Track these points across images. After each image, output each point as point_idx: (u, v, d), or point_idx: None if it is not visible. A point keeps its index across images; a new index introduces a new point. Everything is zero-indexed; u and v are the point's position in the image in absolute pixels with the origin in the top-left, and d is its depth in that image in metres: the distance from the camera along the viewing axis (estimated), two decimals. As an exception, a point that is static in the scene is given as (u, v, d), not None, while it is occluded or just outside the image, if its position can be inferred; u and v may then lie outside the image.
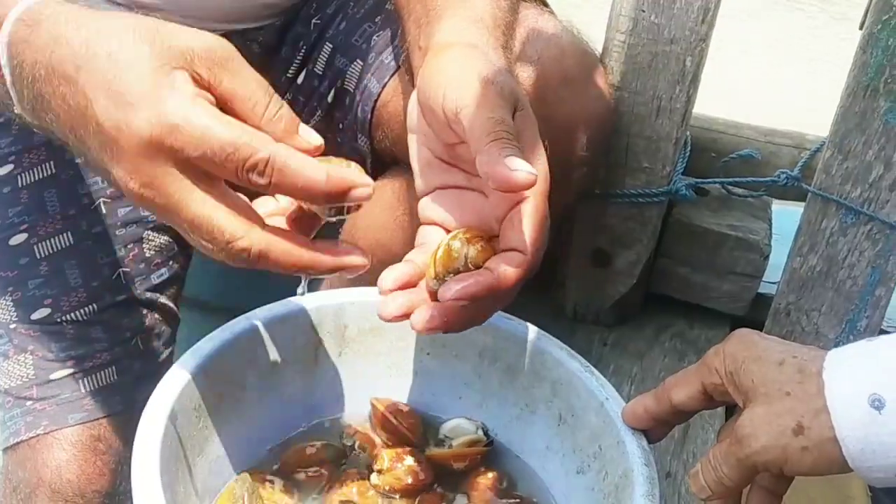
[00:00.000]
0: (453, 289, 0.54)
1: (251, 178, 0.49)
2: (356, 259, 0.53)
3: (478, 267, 0.56)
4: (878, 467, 0.48)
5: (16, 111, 0.54)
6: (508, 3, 0.68)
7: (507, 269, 0.54)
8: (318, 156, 0.53)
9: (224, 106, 0.50)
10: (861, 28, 0.91)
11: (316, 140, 0.52)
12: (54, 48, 0.50)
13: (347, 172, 0.52)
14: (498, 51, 0.62)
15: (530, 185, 0.52)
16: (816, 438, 0.49)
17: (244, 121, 0.50)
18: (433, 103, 0.57)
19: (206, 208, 0.49)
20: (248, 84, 0.50)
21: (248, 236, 0.49)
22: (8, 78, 0.53)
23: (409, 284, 0.59)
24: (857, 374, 0.49)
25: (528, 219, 0.54)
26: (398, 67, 0.85)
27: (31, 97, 0.52)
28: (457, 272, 0.56)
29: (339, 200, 0.51)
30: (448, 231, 0.60)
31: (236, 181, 0.49)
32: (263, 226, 0.51)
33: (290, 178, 0.49)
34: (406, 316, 0.57)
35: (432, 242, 0.60)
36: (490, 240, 0.58)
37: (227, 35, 0.90)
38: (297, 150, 0.50)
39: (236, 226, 0.49)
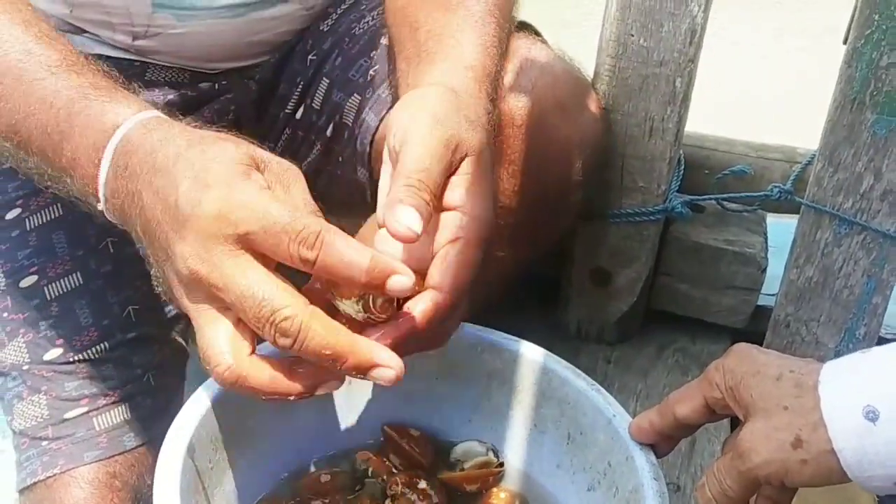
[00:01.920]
0: (373, 337, 0.55)
1: (301, 252, 0.51)
2: (390, 361, 0.53)
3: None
4: (876, 477, 0.49)
5: (98, 208, 0.60)
6: (498, 52, 0.70)
7: (421, 309, 0.55)
8: None
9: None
10: (845, 43, 0.93)
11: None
12: (159, 149, 0.56)
13: (391, 261, 0.52)
14: (477, 99, 0.64)
15: (407, 240, 0.53)
16: (815, 451, 0.50)
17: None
18: (390, 133, 0.60)
19: (254, 280, 0.52)
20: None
21: (293, 306, 0.51)
22: (108, 174, 0.58)
23: None
24: (851, 387, 0.50)
25: (451, 260, 0.56)
26: (395, 101, 0.86)
27: (125, 191, 0.57)
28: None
29: (377, 288, 0.52)
30: None
31: (288, 261, 0.52)
32: (307, 303, 0.53)
33: (336, 255, 0.51)
34: None
35: None
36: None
37: (224, 73, 0.93)
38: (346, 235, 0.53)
39: (283, 296, 0.52)
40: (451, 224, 0.57)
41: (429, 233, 0.58)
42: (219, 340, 0.53)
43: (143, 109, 0.60)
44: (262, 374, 0.53)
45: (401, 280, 0.52)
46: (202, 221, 0.52)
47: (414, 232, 0.53)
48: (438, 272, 0.56)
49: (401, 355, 0.54)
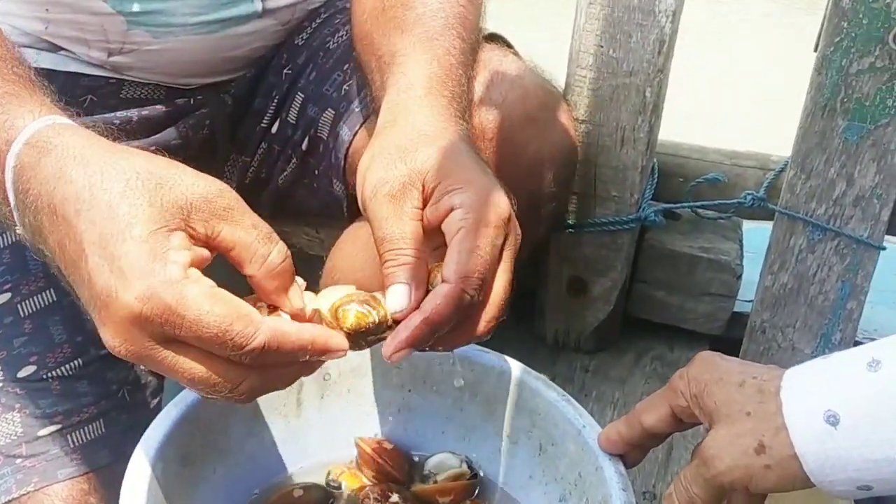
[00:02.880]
0: (391, 345, 0.56)
1: (242, 359, 0.50)
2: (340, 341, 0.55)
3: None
4: (838, 481, 0.50)
5: (18, 232, 0.56)
6: (459, 60, 0.70)
7: (431, 303, 0.56)
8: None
9: (224, 254, 0.52)
10: (815, 50, 0.94)
11: (298, 305, 0.54)
12: (57, 184, 0.51)
13: (327, 337, 0.54)
14: (420, 113, 0.64)
15: (407, 313, 0.55)
16: (777, 456, 0.51)
17: (241, 267, 0.53)
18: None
19: (196, 365, 0.50)
20: (248, 234, 0.52)
21: (255, 339, 0.50)
22: (12, 201, 0.54)
23: None
24: (811, 392, 0.51)
25: (453, 250, 0.56)
26: (368, 115, 0.87)
27: (32, 225, 0.53)
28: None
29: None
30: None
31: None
32: (255, 320, 0.51)
33: (276, 358, 0.51)
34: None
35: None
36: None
37: (200, 89, 0.93)
38: (285, 324, 0.52)
39: (234, 345, 0.49)
40: (449, 226, 0.58)
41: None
42: (212, 367, 0.50)
43: (37, 117, 0.55)
44: (296, 327, 0.52)
45: (339, 356, 0.54)
46: (123, 317, 0.48)
47: (403, 307, 0.55)
48: (445, 266, 0.56)
49: (427, 348, 0.56)
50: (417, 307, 0.56)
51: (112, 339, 0.50)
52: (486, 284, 0.58)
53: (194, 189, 0.51)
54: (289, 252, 0.54)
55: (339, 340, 0.55)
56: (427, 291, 0.57)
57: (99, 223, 0.49)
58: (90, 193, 0.50)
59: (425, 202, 0.59)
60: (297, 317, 0.55)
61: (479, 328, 0.59)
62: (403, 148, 0.60)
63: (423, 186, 0.59)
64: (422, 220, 0.58)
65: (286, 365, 0.53)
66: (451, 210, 0.58)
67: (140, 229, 0.49)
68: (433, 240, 0.59)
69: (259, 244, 0.53)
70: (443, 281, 0.56)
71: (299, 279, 0.57)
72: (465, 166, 0.60)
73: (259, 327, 0.50)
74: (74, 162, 0.52)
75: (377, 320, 0.56)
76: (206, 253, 0.52)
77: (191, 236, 0.51)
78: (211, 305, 0.49)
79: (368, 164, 0.61)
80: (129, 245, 0.48)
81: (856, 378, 0.49)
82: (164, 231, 0.49)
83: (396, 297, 0.56)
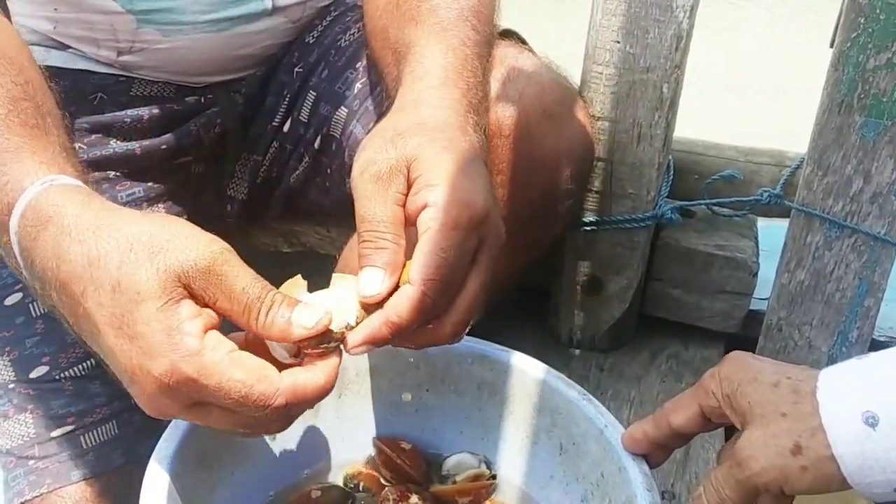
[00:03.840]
0: (351, 341, 0.56)
1: (268, 416, 0.52)
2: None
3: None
4: (876, 483, 0.49)
5: (30, 287, 0.58)
6: (473, 51, 0.69)
7: (393, 305, 0.55)
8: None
9: (223, 316, 0.54)
10: (831, 46, 0.93)
11: (309, 322, 0.54)
12: (58, 263, 0.53)
13: (332, 363, 0.55)
14: (429, 103, 0.63)
15: (377, 299, 0.55)
16: (814, 457, 0.50)
17: (244, 328, 0.54)
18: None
19: (227, 419, 0.53)
20: (240, 302, 0.53)
21: (276, 400, 0.52)
22: (21, 266, 0.57)
23: None
24: (850, 393, 0.50)
25: (419, 251, 0.56)
26: (382, 113, 0.86)
27: (42, 292, 0.56)
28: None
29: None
30: None
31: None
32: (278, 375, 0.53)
33: (301, 408, 0.54)
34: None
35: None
36: None
37: (210, 87, 0.93)
38: (301, 375, 0.53)
39: (257, 407, 0.51)
40: (420, 223, 0.57)
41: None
42: (241, 420, 0.53)
43: (34, 180, 0.56)
44: (310, 376, 0.53)
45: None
46: (152, 388, 0.51)
47: (374, 294, 0.55)
48: (411, 266, 0.56)
49: (397, 345, 0.58)
50: (389, 295, 0.56)
51: (146, 407, 0.53)
52: (450, 288, 0.57)
53: (187, 255, 0.52)
54: (283, 303, 0.54)
55: (336, 360, 0.55)
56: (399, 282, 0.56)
57: (107, 305, 0.51)
58: (91, 273, 0.52)
59: (409, 190, 0.58)
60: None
61: (446, 331, 0.59)
62: (399, 133, 0.60)
63: (408, 174, 0.58)
64: (404, 206, 0.58)
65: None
66: (425, 206, 0.57)
67: (148, 308, 0.51)
68: (412, 232, 0.58)
69: (252, 308, 0.53)
70: (407, 282, 0.55)
71: (299, 279, 0.57)
72: (448, 162, 0.58)
73: (279, 387, 0.52)
74: (69, 239, 0.53)
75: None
76: (214, 315, 0.53)
77: (196, 300, 0.53)
78: (231, 372, 0.51)
79: (364, 144, 0.60)
80: (141, 327, 0.51)
81: (895, 378, 0.48)
82: (171, 304, 0.51)
83: (369, 282, 0.56)
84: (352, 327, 0.56)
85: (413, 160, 0.58)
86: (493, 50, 0.75)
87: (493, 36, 0.76)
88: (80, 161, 0.65)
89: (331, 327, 0.54)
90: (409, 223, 0.58)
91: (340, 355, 0.55)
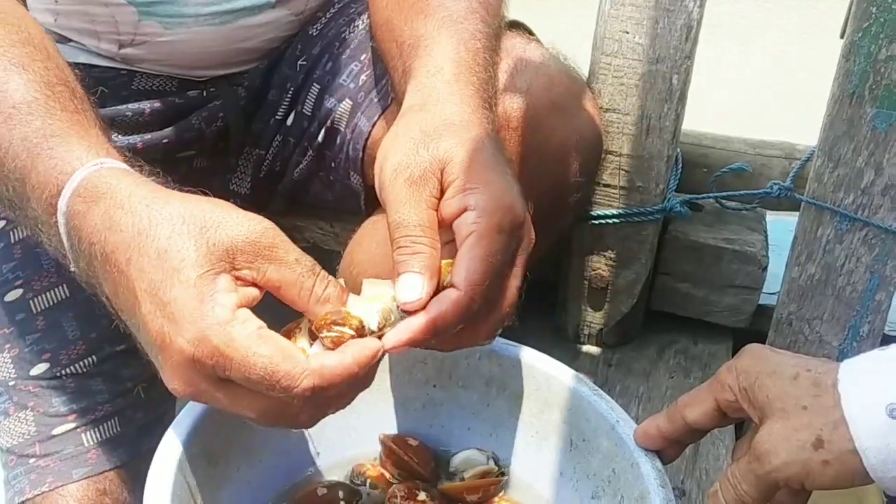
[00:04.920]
0: (391, 340, 0.55)
1: (294, 401, 0.51)
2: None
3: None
4: None
5: (72, 269, 0.57)
6: (484, 45, 0.69)
7: (436, 308, 0.54)
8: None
9: (272, 292, 0.53)
10: (842, 37, 0.92)
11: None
12: (107, 234, 0.53)
13: (369, 350, 0.53)
14: (450, 101, 0.63)
15: (420, 306, 0.54)
16: (837, 451, 0.49)
17: (293, 304, 0.53)
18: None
19: (253, 402, 0.52)
20: (293, 271, 0.53)
21: (302, 382, 0.50)
22: (66, 245, 0.56)
23: None
24: (872, 385, 0.49)
25: (462, 256, 0.55)
26: (387, 106, 0.85)
27: (87, 270, 0.56)
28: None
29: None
30: None
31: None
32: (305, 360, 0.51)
33: (329, 392, 0.52)
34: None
35: None
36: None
37: (213, 80, 0.92)
38: (327, 359, 0.52)
39: (282, 387, 0.50)
40: (460, 227, 0.56)
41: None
42: (264, 405, 0.51)
43: (84, 162, 0.56)
44: (338, 358, 0.52)
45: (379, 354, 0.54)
46: (178, 359, 0.50)
47: (414, 300, 0.54)
48: (456, 271, 0.55)
49: (433, 348, 0.57)
50: (429, 301, 0.54)
51: (171, 380, 0.52)
52: (493, 292, 0.57)
53: (238, 230, 0.52)
54: (335, 281, 0.55)
55: (375, 345, 0.54)
56: (439, 284, 0.55)
57: (149, 271, 0.51)
58: (139, 241, 0.52)
59: (442, 193, 0.57)
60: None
61: (482, 334, 0.58)
62: (428, 134, 0.59)
63: (442, 177, 0.57)
64: (437, 210, 0.57)
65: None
66: (465, 210, 0.56)
67: (187, 274, 0.50)
68: (444, 234, 0.57)
69: (305, 279, 0.53)
70: (452, 285, 0.55)
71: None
72: (484, 165, 0.58)
73: (305, 369, 0.50)
74: (122, 211, 0.53)
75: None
76: (254, 292, 0.53)
77: (238, 278, 0.52)
78: (257, 346, 0.50)
79: (390, 145, 0.59)
80: (177, 290, 0.50)
81: None
82: (210, 274, 0.51)
83: (409, 289, 0.54)
84: (372, 331, 0.54)
85: (447, 163, 0.57)
86: (501, 42, 0.74)
87: (501, 28, 0.75)
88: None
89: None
90: (443, 226, 0.57)
91: (378, 350, 0.53)
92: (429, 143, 0.58)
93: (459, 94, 0.63)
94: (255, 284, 0.53)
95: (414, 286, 0.54)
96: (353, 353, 0.52)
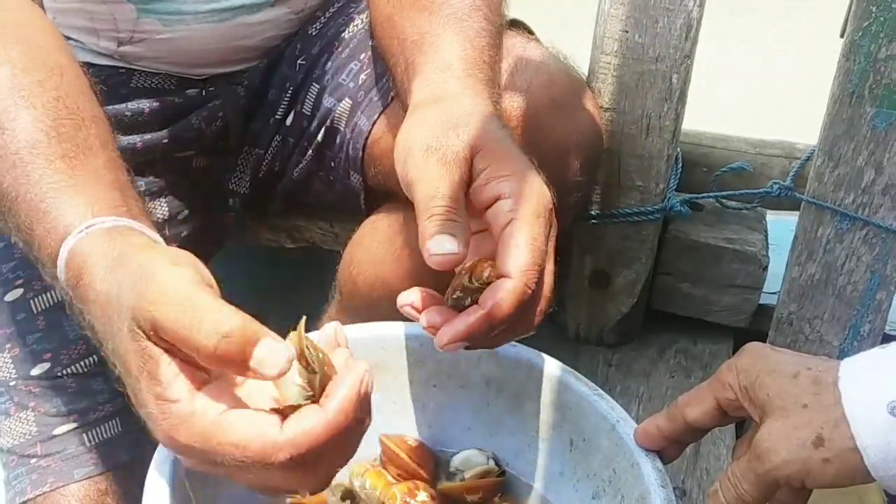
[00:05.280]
0: (446, 334, 0.54)
1: (281, 471, 0.49)
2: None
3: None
4: None
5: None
6: (488, 42, 0.69)
7: (492, 299, 0.54)
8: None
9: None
10: (842, 36, 0.92)
11: (281, 360, 0.48)
12: (90, 318, 0.54)
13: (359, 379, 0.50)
14: (464, 95, 0.63)
15: (452, 263, 0.53)
16: (837, 449, 0.49)
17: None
18: (398, 176, 0.60)
19: (249, 477, 0.50)
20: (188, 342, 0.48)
21: (278, 457, 0.48)
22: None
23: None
24: (873, 383, 0.49)
25: (509, 243, 0.55)
26: (387, 105, 0.85)
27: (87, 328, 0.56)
28: (463, 288, 0.57)
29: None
30: None
31: None
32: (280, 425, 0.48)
33: (322, 451, 0.49)
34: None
35: None
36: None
37: (211, 79, 0.92)
38: (304, 420, 0.48)
39: (261, 466, 0.48)
40: (496, 215, 0.56)
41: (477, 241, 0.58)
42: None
43: (78, 225, 0.56)
44: (315, 419, 0.48)
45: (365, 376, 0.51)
46: (167, 440, 0.50)
47: (453, 252, 0.53)
48: (501, 259, 0.55)
49: (483, 345, 0.56)
50: (462, 259, 0.54)
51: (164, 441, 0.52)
52: (541, 277, 0.56)
53: (158, 305, 0.49)
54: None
55: (361, 369, 0.50)
56: (471, 275, 0.55)
57: (123, 372, 0.52)
58: (110, 339, 0.52)
59: (470, 181, 0.57)
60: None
61: (529, 323, 0.58)
62: (454, 122, 0.59)
63: (472, 165, 0.57)
64: (467, 195, 0.57)
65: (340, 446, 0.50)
66: (499, 198, 0.56)
67: (135, 375, 0.50)
68: (473, 223, 0.57)
69: (200, 338, 0.48)
70: (499, 277, 0.54)
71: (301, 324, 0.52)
72: (512, 155, 0.58)
73: (277, 441, 0.47)
74: (94, 305, 0.53)
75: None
76: (200, 373, 0.50)
77: (174, 354, 0.49)
78: (223, 436, 0.48)
79: (416, 131, 0.59)
80: (139, 395, 0.50)
81: None
82: (152, 367, 0.49)
83: (441, 243, 0.53)
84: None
85: (478, 150, 0.57)
86: (503, 40, 0.74)
87: (503, 26, 0.76)
88: (126, 169, 0.65)
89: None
90: (471, 215, 0.57)
91: (358, 384, 0.49)
92: (458, 129, 0.58)
93: (472, 90, 0.63)
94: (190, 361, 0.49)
95: (448, 242, 0.53)
96: (332, 403, 0.48)
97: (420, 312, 0.58)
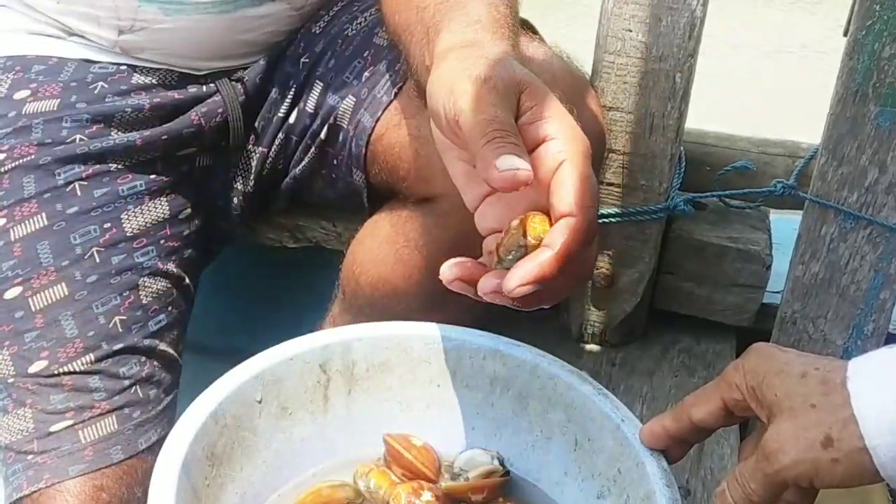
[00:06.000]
0: (516, 276, 0.52)
1: None
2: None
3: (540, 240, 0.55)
4: None
5: None
6: (508, 9, 0.69)
7: (560, 238, 0.53)
8: None
9: None
10: (845, 35, 0.91)
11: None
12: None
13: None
14: (497, 43, 0.62)
15: (524, 181, 0.52)
16: (846, 449, 0.48)
17: None
18: (438, 116, 0.58)
19: None
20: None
21: None
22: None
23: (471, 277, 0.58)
24: (882, 382, 0.49)
25: (566, 181, 0.54)
26: (391, 101, 0.85)
27: None
28: (517, 248, 0.55)
29: None
30: None
31: None
32: None
33: None
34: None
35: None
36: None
37: (212, 75, 0.91)
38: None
39: None
40: (547, 154, 0.55)
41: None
42: None
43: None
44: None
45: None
46: None
47: (527, 170, 0.52)
48: (559, 198, 0.53)
49: (545, 299, 0.56)
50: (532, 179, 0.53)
51: None
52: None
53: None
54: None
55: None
56: (524, 231, 0.54)
57: None
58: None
59: (517, 116, 0.56)
60: None
61: (591, 268, 0.58)
62: (497, 60, 0.58)
63: (519, 100, 0.56)
64: None
65: None
66: (545, 139, 0.55)
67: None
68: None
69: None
70: (562, 215, 0.53)
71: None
72: (554, 98, 0.57)
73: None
74: None
75: None
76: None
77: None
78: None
79: (460, 66, 0.58)
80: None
81: None
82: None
83: (512, 161, 0.52)
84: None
85: (526, 86, 0.57)
86: (518, 18, 0.74)
87: (517, 13, 0.75)
88: None
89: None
90: None
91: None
92: (504, 64, 0.58)
93: (505, 41, 0.63)
94: None
95: (519, 160, 0.52)
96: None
97: (468, 284, 0.56)
